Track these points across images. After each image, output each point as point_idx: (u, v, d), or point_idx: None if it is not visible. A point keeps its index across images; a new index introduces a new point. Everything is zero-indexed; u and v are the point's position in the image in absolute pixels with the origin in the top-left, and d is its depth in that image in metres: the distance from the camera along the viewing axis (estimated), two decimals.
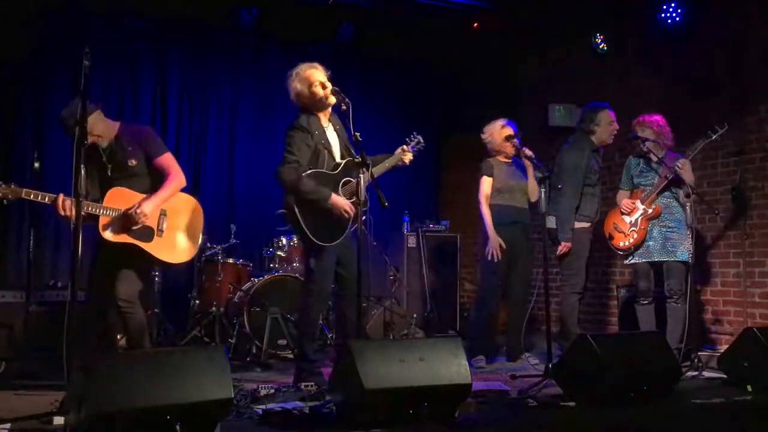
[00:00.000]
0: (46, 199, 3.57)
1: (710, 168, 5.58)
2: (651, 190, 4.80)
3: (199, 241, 4.10)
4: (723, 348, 4.94)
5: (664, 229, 4.76)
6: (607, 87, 6.35)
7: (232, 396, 2.75)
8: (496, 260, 4.97)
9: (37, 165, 4.28)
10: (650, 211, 4.78)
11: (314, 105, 4.08)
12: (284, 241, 5.90)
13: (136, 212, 3.71)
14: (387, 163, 4.25)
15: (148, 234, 3.81)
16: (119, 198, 3.78)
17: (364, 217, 3.73)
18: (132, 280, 3.81)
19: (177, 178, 3.93)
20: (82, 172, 3.16)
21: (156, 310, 5.49)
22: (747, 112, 5.40)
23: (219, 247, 5.78)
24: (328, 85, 4.04)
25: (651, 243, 4.78)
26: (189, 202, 4.07)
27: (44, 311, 4.87)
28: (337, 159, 4.10)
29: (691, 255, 4.65)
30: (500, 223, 5.03)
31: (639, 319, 4.87)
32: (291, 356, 5.03)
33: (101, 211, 3.70)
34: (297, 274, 5.45)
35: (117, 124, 3.94)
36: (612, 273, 6.51)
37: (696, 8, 5.68)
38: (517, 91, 7.46)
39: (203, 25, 6.92)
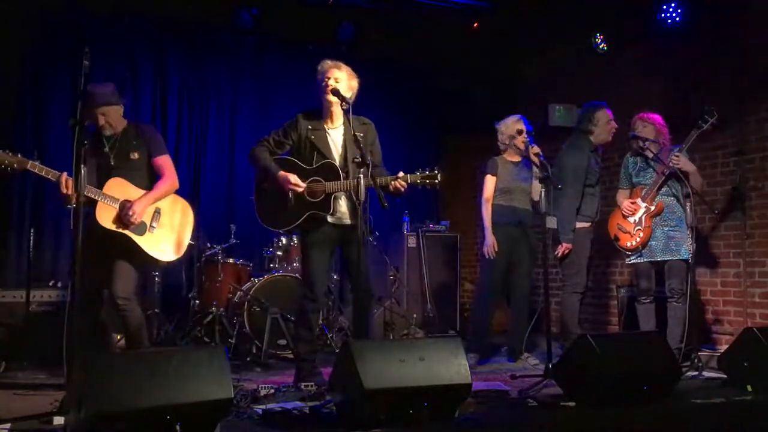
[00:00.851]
0: (50, 175, 3.67)
1: (710, 168, 5.58)
2: (650, 187, 4.78)
3: (187, 243, 4.16)
4: (723, 348, 4.94)
5: (666, 228, 4.75)
6: (607, 87, 6.35)
7: (232, 396, 2.75)
8: (493, 259, 4.97)
9: (26, 159, 4.31)
10: (652, 208, 4.75)
11: (322, 101, 4.07)
12: (284, 241, 5.90)
13: (128, 213, 3.82)
14: (380, 180, 3.87)
15: (140, 228, 3.90)
16: (118, 188, 3.88)
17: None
18: (128, 277, 3.87)
19: (170, 180, 4.06)
20: (82, 172, 3.22)
21: (156, 310, 5.50)
22: (747, 112, 5.41)
23: (219, 247, 5.78)
24: (334, 84, 3.97)
25: (654, 242, 4.76)
26: (183, 205, 4.17)
27: (44, 311, 4.87)
28: (332, 161, 4.04)
29: (691, 254, 4.65)
30: (501, 223, 5.03)
31: (639, 318, 4.87)
32: (291, 356, 5.03)
33: (101, 198, 3.80)
34: (297, 274, 5.45)
35: (125, 121, 4.08)
36: (612, 273, 6.51)
37: (696, 8, 5.68)
38: (517, 91, 7.47)
39: (203, 25, 6.91)
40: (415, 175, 3.88)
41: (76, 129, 3.23)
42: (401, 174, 3.88)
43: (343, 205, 4.05)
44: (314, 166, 4.00)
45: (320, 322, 5.28)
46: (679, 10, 5.75)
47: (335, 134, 4.09)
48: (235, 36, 7.00)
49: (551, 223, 4.82)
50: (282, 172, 3.96)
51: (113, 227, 3.82)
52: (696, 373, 4.26)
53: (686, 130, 4.95)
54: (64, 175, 3.66)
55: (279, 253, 5.87)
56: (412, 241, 6.84)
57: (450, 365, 3.05)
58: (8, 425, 2.95)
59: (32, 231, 5.01)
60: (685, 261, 4.71)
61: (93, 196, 3.75)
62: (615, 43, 6.42)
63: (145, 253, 3.90)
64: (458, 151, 8.16)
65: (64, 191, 3.66)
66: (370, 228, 4.34)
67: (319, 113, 4.10)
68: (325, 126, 4.08)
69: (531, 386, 3.86)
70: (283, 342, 5.20)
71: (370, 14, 6.95)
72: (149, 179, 4.03)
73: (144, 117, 6.62)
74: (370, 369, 2.89)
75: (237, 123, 7.18)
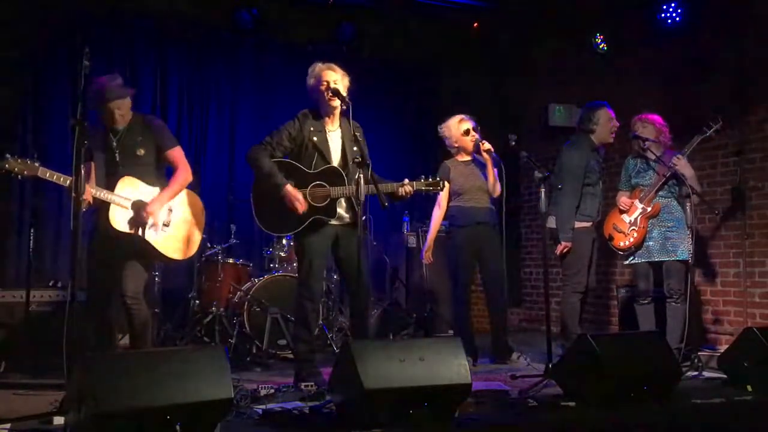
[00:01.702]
0: (62, 180, 3.58)
1: (710, 168, 5.58)
2: (649, 189, 4.79)
3: (199, 239, 4.14)
4: (723, 348, 4.95)
5: (664, 229, 4.75)
6: (607, 87, 6.35)
7: (232, 396, 2.75)
8: (460, 266, 4.99)
9: (37, 165, 4.30)
10: (649, 209, 4.76)
11: (321, 104, 4.09)
12: (284, 241, 5.90)
13: (143, 214, 3.77)
14: (383, 187, 3.97)
15: (154, 227, 3.85)
16: (131, 188, 3.83)
17: (363, 217, 3.74)
18: (138, 276, 3.85)
19: (184, 173, 4.00)
20: (82, 172, 3.21)
21: (156, 310, 5.49)
22: (747, 112, 5.41)
23: (219, 247, 5.77)
24: (334, 85, 4.00)
25: (651, 243, 4.76)
26: (194, 199, 4.13)
27: (44, 311, 4.87)
28: (331, 164, 4.06)
29: (691, 254, 4.65)
30: (462, 225, 5.01)
31: (639, 319, 4.87)
32: (291, 356, 5.02)
33: (113, 199, 3.74)
34: (297, 275, 5.44)
35: (131, 113, 4.00)
36: (612, 273, 6.51)
37: (696, 8, 5.68)
38: (517, 92, 7.47)
39: (203, 25, 6.91)
40: (420, 182, 4.04)
41: (76, 129, 3.22)
42: (406, 181, 4.00)
43: (342, 204, 4.08)
44: (316, 170, 4.02)
45: (320, 322, 5.28)
46: (679, 10, 5.75)
47: (334, 136, 4.12)
48: (235, 36, 7.00)
49: (551, 222, 4.83)
50: (290, 188, 3.93)
51: (127, 229, 3.76)
52: (696, 373, 4.26)
53: (686, 130, 4.97)
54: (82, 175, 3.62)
55: (279, 253, 5.87)
56: (412, 241, 6.82)
57: (450, 365, 3.05)
58: (8, 425, 2.94)
59: (32, 231, 5.00)
60: (683, 262, 4.71)
61: (105, 199, 3.69)
62: (615, 43, 6.43)
63: (158, 251, 3.87)
64: None
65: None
66: (366, 226, 4.33)
67: (318, 115, 4.11)
68: (325, 128, 4.10)
69: (531, 386, 3.85)
70: (283, 342, 5.20)
71: (370, 14, 6.96)
72: (158, 174, 3.98)
73: None
74: (370, 369, 2.89)
75: (237, 123, 7.18)
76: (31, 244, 4.90)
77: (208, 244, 5.85)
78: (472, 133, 5.00)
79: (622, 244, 4.86)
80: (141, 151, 3.92)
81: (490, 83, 7.64)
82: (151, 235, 3.84)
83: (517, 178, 7.35)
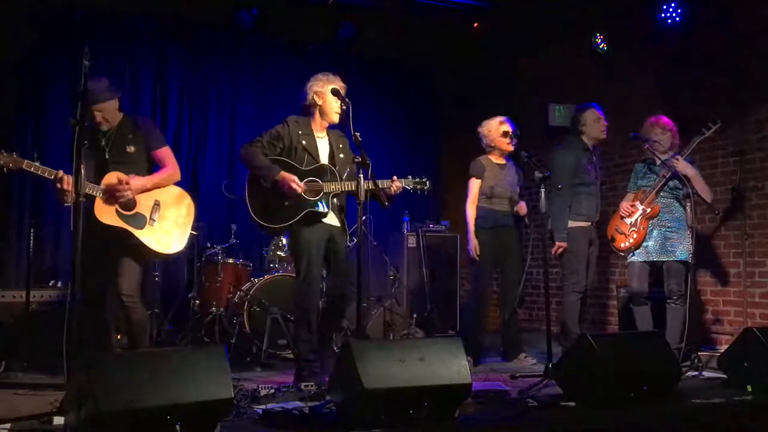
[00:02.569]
0: (46, 173, 3.60)
1: (710, 168, 5.58)
2: (650, 190, 4.81)
3: (188, 235, 4.12)
4: (723, 348, 4.94)
5: (663, 229, 4.76)
6: (607, 87, 6.35)
7: (232, 396, 2.75)
8: (482, 266, 5.02)
9: (22, 159, 4.30)
10: (649, 210, 4.78)
11: (317, 111, 4.22)
12: (284, 241, 5.90)
13: (121, 186, 3.75)
14: (381, 183, 4.13)
15: (140, 221, 3.86)
16: (115, 180, 3.82)
17: (364, 218, 3.74)
18: (132, 274, 3.85)
19: (172, 169, 4.04)
20: (82, 172, 3.20)
21: (156, 310, 5.49)
22: (747, 112, 5.41)
23: (219, 247, 5.77)
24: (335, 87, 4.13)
25: (650, 243, 4.77)
26: (183, 196, 4.12)
27: (44, 311, 4.87)
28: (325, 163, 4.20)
29: (691, 255, 4.65)
30: (486, 227, 5.05)
31: (636, 321, 4.86)
32: (291, 356, 5.03)
33: (99, 193, 3.75)
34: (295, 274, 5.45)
35: (121, 114, 4.03)
36: (612, 273, 6.51)
37: (696, 8, 5.68)
38: (517, 91, 7.46)
39: (203, 25, 6.92)
40: (407, 180, 4.27)
41: (76, 129, 3.22)
42: (395, 178, 4.21)
43: (331, 214, 4.19)
44: (309, 167, 4.13)
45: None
46: (679, 10, 5.75)
47: (323, 142, 4.26)
48: (235, 36, 7.00)
49: (550, 222, 4.85)
50: (284, 173, 4.02)
51: (111, 221, 3.77)
52: (696, 373, 4.26)
53: (686, 130, 4.97)
54: (61, 172, 3.61)
55: (279, 253, 5.87)
56: (412, 241, 6.83)
57: (450, 365, 3.05)
58: (8, 425, 2.94)
59: (32, 231, 5.00)
60: (683, 262, 4.71)
61: (91, 192, 3.70)
62: (615, 43, 6.43)
63: (146, 246, 3.86)
64: (458, 151, 8.13)
65: (65, 187, 3.59)
66: (349, 230, 4.47)
67: (307, 121, 4.25)
68: (314, 133, 4.24)
69: (531, 386, 3.86)
70: (283, 342, 5.20)
71: (370, 14, 6.96)
72: (148, 173, 3.99)
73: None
74: (370, 369, 2.89)
75: (237, 123, 7.18)
76: (31, 244, 4.90)
77: (208, 244, 5.85)
78: (510, 136, 5.02)
79: (623, 245, 4.88)
80: (131, 148, 3.94)
81: (490, 83, 7.63)
82: (137, 229, 3.84)
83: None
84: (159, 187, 3.97)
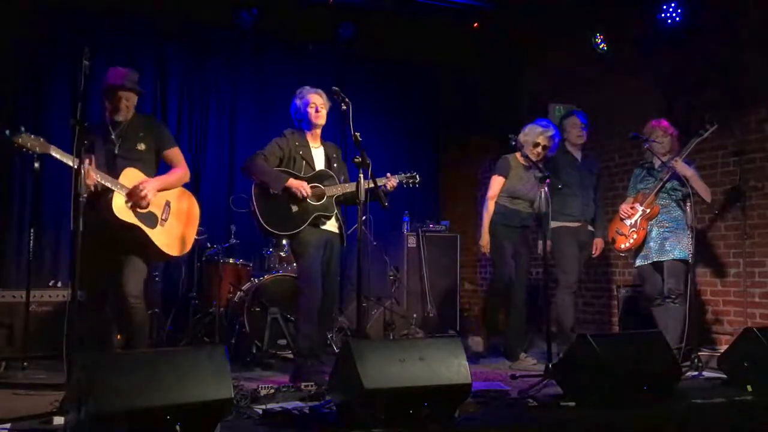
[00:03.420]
0: (70, 160, 3.53)
1: (710, 168, 5.58)
2: (649, 191, 4.86)
3: (193, 239, 4.14)
4: (723, 348, 4.94)
5: (662, 229, 4.80)
6: (607, 87, 6.35)
7: (232, 396, 2.75)
8: (503, 255, 5.08)
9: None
10: (648, 211, 4.83)
11: (306, 123, 4.42)
12: (284, 241, 5.89)
13: (139, 192, 3.74)
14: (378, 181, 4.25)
15: (152, 220, 3.84)
16: (133, 179, 3.82)
17: (364, 218, 3.74)
18: (139, 274, 3.84)
19: (182, 171, 4.07)
20: (83, 172, 3.19)
21: (156, 310, 5.49)
22: (747, 112, 5.41)
23: (219, 247, 5.77)
24: (321, 111, 4.38)
25: (650, 244, 4.82)
26: (191, 199, 4.14)
27: (44, 311, 4.87)
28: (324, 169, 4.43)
29: (690, 254, 4.67)
30: (506, 224, 5.13)
31: (657, 322, 4.80)
32: (291, 356, 5.03)
33: (116, 187, 3.72)
34: (297, 274, 5.44)
35: (134, 112, 4.03)
36: (612, 273, 6.51)
37: (696, 8, 5.67)
38: (518, 91, 7.46)
39: (203, 25, 6.92)
40: (400, 175, 4.53)
41: (76, 129, 3.22)
42: (389, 175, 4.44)
43: (331, 220, 4.38)
44: (308, 174, 4.33)
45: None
46: (679, 11, 5.74)
47: (317, 152, 4.45)
48: (235, 36, 7.00)
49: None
50: (293, 179, 4.22)
51: (127, 218, 3.72)
52: (696, 373, 4.27)
53: (685, 130, 4.98)
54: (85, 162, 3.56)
55: (279, 253, 5.87)
56: (412, 241, 6.83)
57: (450, 365, 3.05)
58: (8, 425, 2.94)
59: (32, 231, 4.99)
60: (682, 261, 4.73)
61: (109, 185, 3.67)
62: (615, 43, 6.42)
63: (156, 247, 3.83)
64: (458, 151, 8.16)
65: (86, 179, 3.50)
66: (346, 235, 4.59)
67: (302, 134, 4.44)
68: (309, 144, 4.43)
69: (531, 386, 3.86)
70: (283, 342, 5.20)
71: (370, 14, 6.95)
72: (155, 171, 4.00)
73: None
74: (370, 369, 2.89)
75: (237, 122, 7.18)
76: (31, 244, 4.90)
77: (208, 244, 5.85)
78: (541, 151, 5.01)
79: (623, 246, 4.97)
80: (141, 146, 3.94)
81: (490, 83, 7.63)
82: (150, 228, 3.82)
83: None
84: (171, 189, 3.98)
